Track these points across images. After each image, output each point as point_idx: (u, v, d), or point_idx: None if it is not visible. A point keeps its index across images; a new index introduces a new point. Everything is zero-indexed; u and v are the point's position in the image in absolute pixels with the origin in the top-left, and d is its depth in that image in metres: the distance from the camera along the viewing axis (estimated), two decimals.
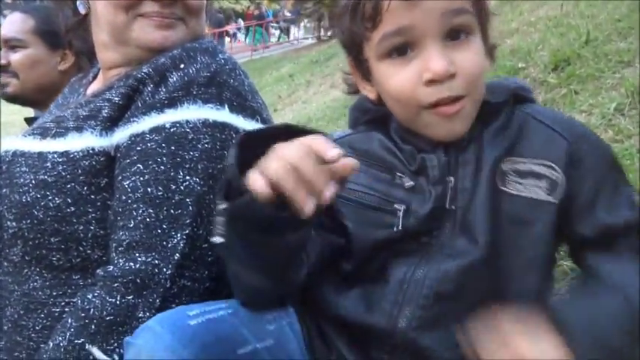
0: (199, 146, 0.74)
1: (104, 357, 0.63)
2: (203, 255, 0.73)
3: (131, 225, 0.71)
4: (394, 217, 0.70)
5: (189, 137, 0.74)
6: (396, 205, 0.71)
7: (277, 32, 21.41)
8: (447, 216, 0.69)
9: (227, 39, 19.51)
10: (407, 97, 0.68)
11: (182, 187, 0.73)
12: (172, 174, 0.73)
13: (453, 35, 0.67)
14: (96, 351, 0.64)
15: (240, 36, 21.17)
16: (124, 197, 0.73)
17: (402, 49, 0.67)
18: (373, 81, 0.74)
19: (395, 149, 0.73)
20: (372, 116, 0.78)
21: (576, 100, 1.82)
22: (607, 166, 0.71)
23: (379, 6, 0.66)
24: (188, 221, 0.72)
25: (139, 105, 0.78)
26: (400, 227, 0.70)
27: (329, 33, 15.44)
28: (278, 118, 5.70)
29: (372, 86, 0.75)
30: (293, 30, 20.20)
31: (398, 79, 0.68)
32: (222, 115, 0.77)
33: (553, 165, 0.68)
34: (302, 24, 18.06)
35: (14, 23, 1.48)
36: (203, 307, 0.64)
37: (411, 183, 0.71)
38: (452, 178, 0.70)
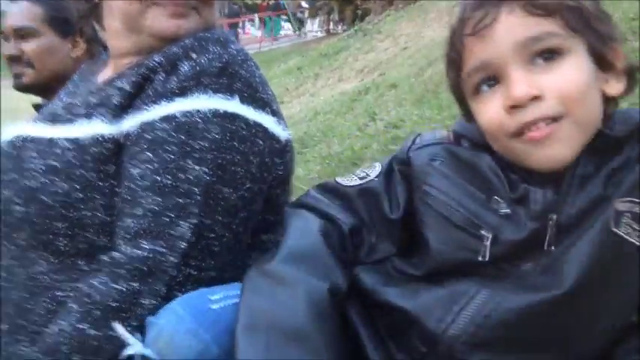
0: (209, 136, 0.74)
1: (127, 334, 0.64)
2: (209, 244, 0.73)
3: (139, 213, 0.72)
4: (479, 243, 0.68)
5: (199, 127, 0.74)
6: (482, 232, 0.68)
7: (287, 24, 21.36)
8: (538, 252, 0.66)
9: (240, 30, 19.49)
10: (495, 128, 0.67)
11: (190, 177, 0.73)
12: (181, 163, 0.73)
13: (544, 57, 0.65)
14: (119, 327, 0.65)
15: (251, 28, 21.09)
16: (132, 185, 0.74)
17: (488, 82, 0.68)
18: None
19: (501, 173, 0.70)
20: (479, 140, 0.75)
21: None
22: None
23: (458, 47, 0.69)
24: (195, 210, 0.72)
25: (150, 93, 0.78)
26: (487, 258, 0.67)
27: (339, 27, 15.42)
28: (285, 111, 5.66)
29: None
30: (308, 23, 20.12)
31: (486, 113, 0.68)
32: (233, 105, 0.77)
33: None
34: (318, 18, 18.00)
35: (23, 12, 1.46)
36: (226, 292, 0.65)
37: (507, 210, 0.68)
38: (554, 216, 0.66)
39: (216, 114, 0.75)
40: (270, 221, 0.87)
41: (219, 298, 0.63)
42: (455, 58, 0.70)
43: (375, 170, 0.79)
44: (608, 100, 0.68)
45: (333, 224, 0.74)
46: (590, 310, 0.65)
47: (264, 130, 0.80)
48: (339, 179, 0.81)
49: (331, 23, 16.25)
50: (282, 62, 9.60)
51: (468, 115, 0.74)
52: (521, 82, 0.63)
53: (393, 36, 6.92)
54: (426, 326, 0.67)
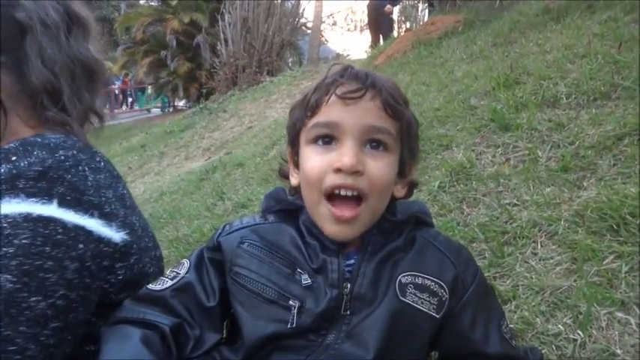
0: (16, 242, 0.70)
1: None
2: (9, 358, 0.67)
3: None
4: (288, 313, 0.75)
5: (6, 232, 0.71)
6: (290, 302, 0.75)
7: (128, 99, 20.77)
8: (338, 319, 0.75)
9: None
10: (315, 177, 0.77)
11: None
12: None
13: (373, 145, 0.77)
14: None
15: None
16: None
17: (326, 139, 0.78)
18: (299, 165, 0.82)
19: (301, 244, 0.80)
20: (284, 207, 0.85)
21: None
22: (484, 292, 0.83)
23: (321, 100, 0.78)
24: None
25: None
26: (294, 324, 0.74)
27: (182, 103, 15.46)
28: None
29: (298, 173, 0.84)
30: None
31: (314, 162, 0.78)
32: (49, 209, 0.74)
33: (444, 286, 0.78)
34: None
35: None
36: None
37: (309, 281, 0.77)
38: (349, 285, 0.76)
39: (27, 218, 0.72)
40: None
41: None
42: (312, 104, 0.79)
43: (184, 267, 0.83)
44: (392, 199, 0.83)
45: (154, 329, 0.75)
46: None
47: (87, 233, 0.76)
48: (150, 286, 0.82)
49: (176, 100, 16.21)
50: (123, 139, 9.22)
51: (294, 155, 0.84)
52: (354, 155, 0.75)
53: (238, 115, 7.15)
54: None
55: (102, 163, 0.86)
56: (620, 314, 1.05)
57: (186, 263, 0.84)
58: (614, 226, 1.27)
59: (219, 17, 10.45)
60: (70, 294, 0.73)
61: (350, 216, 0.76)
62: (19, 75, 0.84)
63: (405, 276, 0.78)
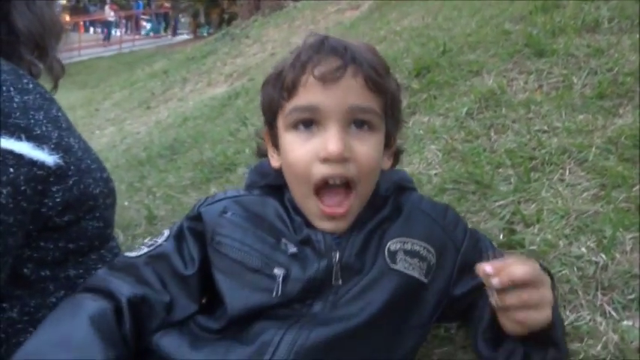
0: None
1: None
2: None
3: None
4: (272, 282, 0.72)
5: None
6: (275, 270, 0.72)
7: (148, 25, 20.45)
8: (327, 288, 0.72)
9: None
10: (302, 169, 0.73)
11: None
12: None
13: (358, 124, 0.72)
14: None
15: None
16: None
17: (307, 124, 0.72)
18: (280, 150, 0.78)
19: (286, 217, 0.77)
20: (270, 182, 0.81)
21: (435, 104, 2.03)
22: (475, 242, 0.81)
23: (298, 80, 0.72)
24: None
25: None
26: (279, 293, 0.71)
27: (204, 30, 15.15)
28: (152, 116, 5.46)
29: (279, 155, 0.79)
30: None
31: (298, 152, 0.73)
32: None
33: (432, 250, 0.76)
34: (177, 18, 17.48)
35: None
36: None
37: (294, 250, 0.73)
38: (337, 254, 0.73)
39: None
40: (71, 250, 0.82)
41: None
42: (289, 85, 0.72)
43: (163, 236, 0.81)
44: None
45: (112, 300, 0.72)
46: (386, 339, 0.73)
47: (18, 156, 0.73)
48: (127, 253, 0.80)
49: (197, 26, 15.88)
50: (146, 65, 9.16)
51: (273, 136, 0.79)
52: (339, 140, 0.70)
53: (261, 41, 6.99)
54: None
55: (30, 85, 0.82)
56: None
57: (166, 232, 0.82)
58: None
59: None
60: (7, 218, 0.71)
61: (341, 213, 0.73)
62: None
63: (393, 243, 0.75)
